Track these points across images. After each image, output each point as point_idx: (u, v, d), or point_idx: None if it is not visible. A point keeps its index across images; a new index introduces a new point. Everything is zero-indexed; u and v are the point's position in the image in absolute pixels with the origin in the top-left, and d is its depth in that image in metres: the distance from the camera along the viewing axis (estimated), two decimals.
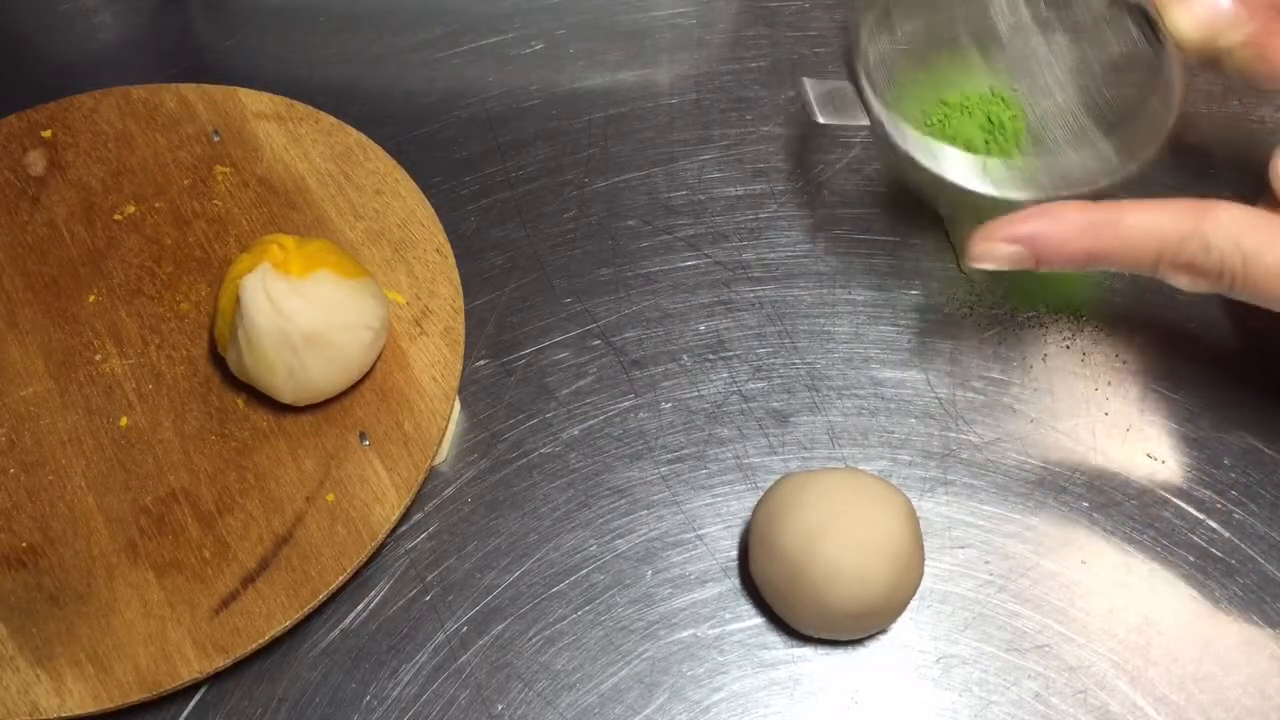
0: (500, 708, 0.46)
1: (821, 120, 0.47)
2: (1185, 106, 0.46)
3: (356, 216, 0.54)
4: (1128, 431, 0.51)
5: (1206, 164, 0.57)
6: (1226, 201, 0.41)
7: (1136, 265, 0.42)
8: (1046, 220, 0.42)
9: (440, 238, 0.53)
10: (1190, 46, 0.46)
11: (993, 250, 0.43)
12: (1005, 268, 0.43)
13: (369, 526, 0.47)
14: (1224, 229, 0.40)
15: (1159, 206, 0.42)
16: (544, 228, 0.56)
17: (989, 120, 0.51)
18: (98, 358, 0.51)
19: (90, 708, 0.44)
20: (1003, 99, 0.51)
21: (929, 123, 0.51)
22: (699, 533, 0.49)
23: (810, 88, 0.48)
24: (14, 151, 0.56)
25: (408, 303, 0.52)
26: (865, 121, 0.47)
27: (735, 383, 0.52)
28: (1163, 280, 0.42)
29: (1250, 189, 0.45)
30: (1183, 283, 0.42)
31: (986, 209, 0.54)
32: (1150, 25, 0.47)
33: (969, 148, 0.49)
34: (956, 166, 0.46)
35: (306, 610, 0.46)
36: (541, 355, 0.53)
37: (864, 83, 0.47)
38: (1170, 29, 0.46)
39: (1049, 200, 0.44)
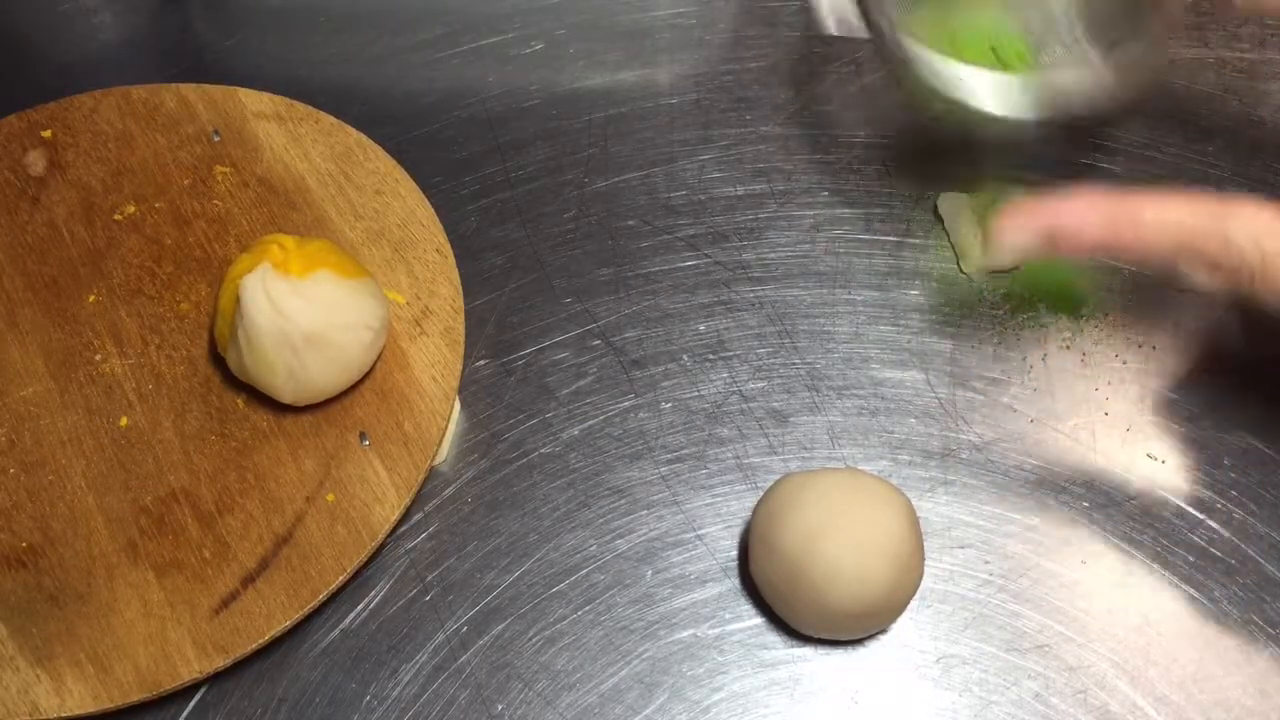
0: (500, 708, 0.46)
1: (832, 31, 0.48)
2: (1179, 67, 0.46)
3: (356, 216, 0.54)
4: (1128, 431, 0.51)
5: (1206, 163, 0.57)
6: (1248, 200, 0.41)
7: (1155, 258, 0.42)
8: (1067, 209, 0.43)
9: (440, 238, 0.53)
10: None
11: (1014, 236, 0.43)
12: (1024, 253, 0.43)
13: (369, 526, 0.47)
14: (1245, 227, 0.40)
15: (1180, 201, 0.42)
16: (544, 228, 0.56)
17: (993, 38, 0.51)
18: (98, 358, 0.51)
19: (90, 708, 0.44)
20: (1005, 19, 0.52)
21: (933, 36, 0.52)
22: (699, 533, 0.49)
23: (819, 2, 0.49)
24: (14, 151, 0.56)
25: (408, 303, 0.52)
26: (868, 35, 0.48)
27: (735, 383, 0.52)
28: (1180, 275, 0.42)
29: (1249, 187, 0.45)
30: (1201, 279, 0.42)
31: (986, 207, 0.54)
32: None
33: (974, 61, 0.49)
34: (961, 81, 0.46)
35: (306, 610, 0.46)
36: (541, 355, 0.53)
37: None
38: None
39: (1047, 118, 0.45)
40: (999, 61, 0.51)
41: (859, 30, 0.48)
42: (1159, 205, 0.42)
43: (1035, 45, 0.51)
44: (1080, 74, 0.47)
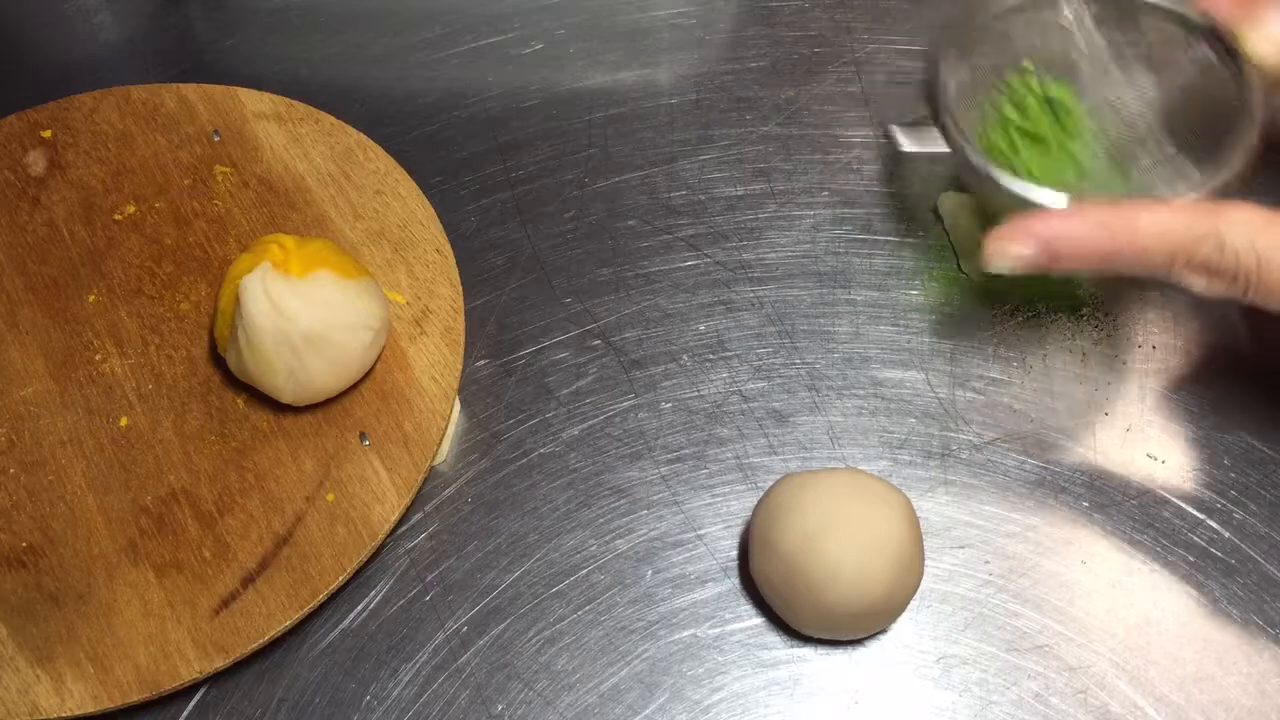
0: (500, 708, 0.46)
1: (908, 149, 0.48)
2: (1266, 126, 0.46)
3: (356, 216, 0.54)
4: (1128, 431, 0.51)
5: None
6: (1241, 203, 0.41)
7: (1152, 266, 0.42)
8: (1062, 221, 0.42)
9: (440, 238, 0.53)
10: (1270, 68, 0.46)
11: (1008, 249, 0.43)
12: (1020, 267, 0.43)
13: (369, 526, 0.47)
14: (1239, 229, 0.40)
15: (1173, 208, 0.42)
16: (544, 228, 0.56)
17: (1075, 158, 0.51)
18: (98, 358, 0.51)
19: (90, 708, 0.44)
20: (1089, 137, 0.51)
21: (1009, 152, 0.51)
22: (699, 533, 0.49)
23: (897, 130, 0.49)
24: (14, 151, 0.56)
25: (408, 303, 0.52)
26: (947, 149, 0.48)
27: (735, 383, 0.52)
28: (1178, 283, 0.42)
29: (1255, 187, 0.44)
30: (1198, 285, 0.42)
31: (990, 211, 0.54)
32: (1227, 49, 0.47)
33: (1049, 180, 0.48)
34: (1039, 195, 0.45)
35: (306, 610, 0.46)
36: (541, 355, 0.53)
37: (945, 116, 0.48)
38: (1249, 52, 0.46)
39: None
40: (1085, 182, 0.50)
41: (938, 146, 0.48)
42: (1154, 212, 0.42)
43: (1123, 162, 0.50)
44: (1174, 187, 0.46)
